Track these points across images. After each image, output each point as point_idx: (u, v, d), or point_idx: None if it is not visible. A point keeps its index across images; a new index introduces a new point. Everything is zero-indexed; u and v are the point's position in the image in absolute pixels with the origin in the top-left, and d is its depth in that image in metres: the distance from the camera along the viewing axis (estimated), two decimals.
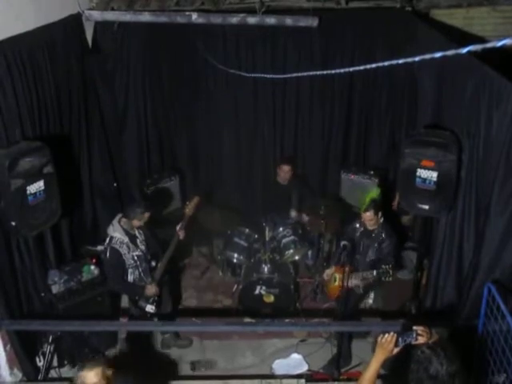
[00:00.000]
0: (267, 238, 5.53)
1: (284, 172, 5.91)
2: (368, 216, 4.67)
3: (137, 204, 4.52)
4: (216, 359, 4.94)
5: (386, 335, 2.83)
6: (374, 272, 4.53)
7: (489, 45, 1.26)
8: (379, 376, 2.92)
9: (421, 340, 2.83)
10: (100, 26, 5.41)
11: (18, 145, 3.96)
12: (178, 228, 4.67)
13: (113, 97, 5.90)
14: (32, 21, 4.30)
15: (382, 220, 4.73)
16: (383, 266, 4.48)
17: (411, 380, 2.69)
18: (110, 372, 3.11)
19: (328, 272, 4.97)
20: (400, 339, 2.82)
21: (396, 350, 2.84)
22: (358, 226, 4.89)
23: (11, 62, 4.04)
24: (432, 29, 4.82)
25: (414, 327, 2.88)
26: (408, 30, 5.25)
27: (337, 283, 4.77)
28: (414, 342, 2.83)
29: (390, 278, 4.51)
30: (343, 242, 4.72)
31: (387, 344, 2.82)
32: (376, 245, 4.71)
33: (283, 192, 5.95)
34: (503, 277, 3.46)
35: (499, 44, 1.22)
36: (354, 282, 4.62)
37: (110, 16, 5.23)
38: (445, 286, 4.27)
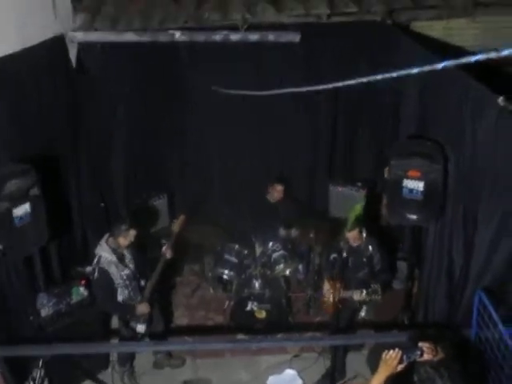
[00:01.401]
0: (257, 254, 5.54)
1: (277, 191, 5.92)
2: (352, 235, 4.69)
3: (121, 221, 4.50)
4: (210, 378, 4.90)
5: (391, 352, 2.81)
6: (364, 292, 4.51)
7: (463, 60, 1.29)
8: None
9: (426, 357, 2.80)
10: (84, 47, 5.41)
11: (4, 167, 3.95)
12: (164, 248, 4.67)
13: (99, 117, 5.89)
14: (15, 43, 4.28)
15: (365, 235, 4.75)
16: (372, 286, 4.47)
17: None
18: None
19: (326, 288, 4.93)
20: (405, 356, 2.79)
21: (400, 367, 2.81)
22: (342, 243, 4.86)
23: None
24: (413, 41, 4.90)
25: (420, 344, 2.85)
26: (389, 43, 5.32)
27: (331, 298, 4.74)
28: (418, 359, 2.80)
29: (379, 297, 4.50)
30: (333, 255, 4.75)
31: (391, 360, 2.80)
32: (364, 260, 4.70)
33: (273, 209, 5.96)
34: (493, 284, 3.48)
35: (473, 59, 1.25)
36: (356, 297, 4.60)
37: (94, 37, 5.25)
38: (436, 295, 4.28)
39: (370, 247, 4.67)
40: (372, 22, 5.47)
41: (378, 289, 4.41)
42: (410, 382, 2.98)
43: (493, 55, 1.18)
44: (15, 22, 4.32)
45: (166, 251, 4.65)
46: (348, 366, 4.87)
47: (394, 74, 1.67)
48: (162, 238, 5.29)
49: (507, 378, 3.08)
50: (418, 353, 2.80)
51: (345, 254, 4.78)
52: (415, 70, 1.54)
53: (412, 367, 2.92)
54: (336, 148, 6.54)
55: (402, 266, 5.58)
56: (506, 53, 1.10)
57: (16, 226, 3.92)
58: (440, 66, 1.38)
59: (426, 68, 1.46)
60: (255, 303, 5.24)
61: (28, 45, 4.47)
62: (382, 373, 2.84)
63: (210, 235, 6.25)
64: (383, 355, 2.85)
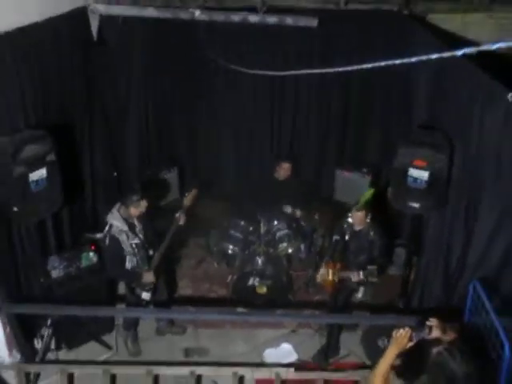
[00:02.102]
0: (262, 231, 5.53)
1: (284, 169, 5.87)
2: (359, 216, 4.64)
3: (133, 192, 4.48)
4: (209, 347, 4.94)
5: (401, 330, 2.85)
6: (361, 274, 4.48)
7: (483, 47, 1.25)
8: (393, 368, 2.95)
9: (434, 334, 2.86)
10: (105, 20, 5.36)
11: (22, 133, 3.94)
12: (177, 214, 4.64)
13: (115, 89, 5.88)
14: (38, 13, 4.26)
15: (368, 220, 4.71)
16: (369, 267, 4.45)
17: (428, 381, 2.71)
18: None
19: (321, 272, 4.91)
20: (414, 334, 2.85)
21: (410, 345, 2.86)
22: (345, 226, 4.84)
23: (17, 53, 4.00)
24: (428, 33, 4.81)
25: (428, 322, 2.90)
26: (405, 33, 5.23)
27: (330, 277, 4.76)
28: (427, 337, 2.87)
29: (375, 279, 4.48)
30: (335, 237, 4.73)
31: (402, 339, 2.85)
32: (366, 244, 4.67)
33: (280, 188, 5.92)
34: (489, 275, 3.47)
35: (494, 47, 1.21)
36: (354, 278, 4.56)
37: (116, 10, 5.20)
38: (432, 282, 4.28)
39: (372, 233, 4.64)
40: (389, 11, 5.38)
41: (374, 271, 4.40)
42: (419, 360, 2.99)
43: None
44: None
45: (180, 217, 4.62)
46: (342, 345, 4.89)
47: (413, 59, 1.62)
48: (172, 211, 5.28)
49: (495, 365, 3.08)
50: (427, 330, 2.87)
51: (347, 237, 4.78)
52: (435, 56, 1.49)
53: (421, 345, 2.96)
54: (346, 134, 6.49)
55: (401, 252, 5.57)
56: None
57: (32, 190, 3.93)
58: (460, 52, 1.34)
59: (446, 54, 1.42)
60: (257, 279, 5.25)
61: (51, 15, 4.43)
62: (393, 350, 2.89)
63: (217, 210, 6.27)
64: (394, 333, 2.89)
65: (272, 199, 5.83)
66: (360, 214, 4.64)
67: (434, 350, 2.72)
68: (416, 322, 3.01)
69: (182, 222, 4.63)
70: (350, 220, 4.81)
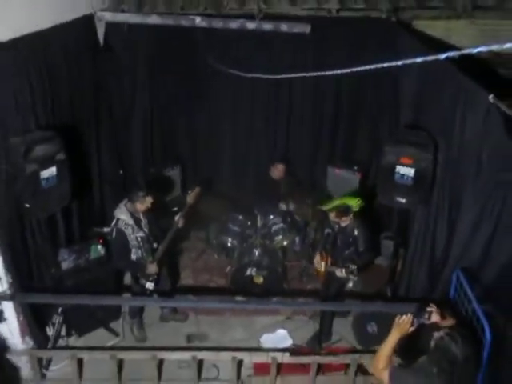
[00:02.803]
0: (259, 225, 5.53)
1: (278, 170, 5.88)
2: (332, 216, 4.60)
3: (138, 188, 4.48)
4: (209, 333, 4.96)
5: (404, 316, 2.90)
6: (343, 270, 4.46)
7: (466, 51, 1.24)
8: (395, 352, 2.99)
9: (433, 319, 2.92)
10: (111, 27, 5.34)
11: (33, 133, 3.94)
12: (177, 217, 4.65)
13: (121, 92, 5.86)
14: (48, 20, 4.24)
15: (352, 218, 4.59)
16: (350, 266, 4.42)
17: (431, 365, 2.75)
18: None
19: (316, 260, 4.90)
20: (415, 320, 2.90)
21: (411, 329, 2.91)
22: (332, 223, 4.76)
23: (28, 58, 4.00)
24: (414, 38, 4.81)
25: (428, 308, 2.95)
26: (392, 39, 5.21)
27: (323, 269, 4.76)
28: (427, 322, 2.92)
29: (355, 278, 4.52)
30: (327, 230, 4.72)
31: (404, 324, 2.89)
32: (350, 240, 4.61)
33: (275, 186, 5.93)
34: (471, 265, 3.48)
35: (475, 51, 1.20)
36: (338, 274, 4.56)
37: (121, 17, 5.18)
38: (418, 272, 4.28)
39: (356, 230, 4.56)
40: (377, 18, 5.36)
41: (354, 270, 4.39)
42: (419, 344, 3.19)
43: (495, 47, 1.13)
44: (48, 1, 4.24)
45: (179, 220, 4.63)
46: (334, 330, 4.91)
47: (400, 62, 1.61)
48: (174, 207, 5.29)
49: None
50: (426, 316, 2.91)
51: (336, 231, 4.74)
52: (420, 59, 1.49)
53: (420, 331, 3.03)
54: (337, 133, 6.48)
55: (389, 244, 5.56)
56: (508, 45, 1.06)
57: (42, 187, 3.94)
58: (443, 56, 1.33)
59: (430, 58, 1.41)
60: (254, 269, 5.26)
61: (60, 22, 4.41)
62: (395, 334, 2.92)
63: (217, 206, 6.27)
64: (396, 319, 2.93)
65: (268, 195, 5.83)
66: (332, 215, 4.60)
67: (436, 335, 2.77)
68: (416, 308, 3.02)
69: (180, 224, 4.66)
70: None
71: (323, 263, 4.72)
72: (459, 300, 3.44)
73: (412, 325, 2.90)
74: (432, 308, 2.95)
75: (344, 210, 4.56)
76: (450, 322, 2.95)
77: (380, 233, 5.78)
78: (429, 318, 2.93)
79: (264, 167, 6.21)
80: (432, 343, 2.79)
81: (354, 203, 4.57)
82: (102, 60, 5.35)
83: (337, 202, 4.62)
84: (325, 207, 4.66)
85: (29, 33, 3.95)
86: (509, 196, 3.08)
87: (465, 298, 3.34)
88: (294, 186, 6.09)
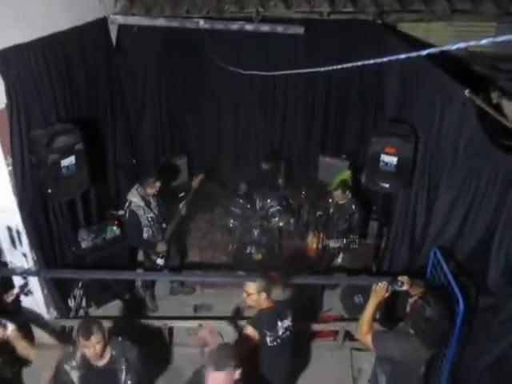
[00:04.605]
0: (257, 208, 5.53)
1: (267, 165, 5.79)
2: (337, 194, 4.64)
3: (149, 175, 4.47)
4: (214, 304, 4.98)
5: (380, 284, 3.02)
6: (344, 240, 4.51)
7: (445, 47, 1.22)
8: (376, 320, 3.15)
9: (404, 287, 3.06)
10: (123, 29, 5.27)
11: (54, 126, 3.92)
12: (181, 205, 4.64)
13: (133, 88, 5.80)
14: (66, 23, 4.19)
15: (349, 196, 4.70)
16: (351, 236, 4.46)
17: (407, 326, 2.84)
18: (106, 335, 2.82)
19: (309, 239, 4.91)
20: (389, 286, 3.03)
21: (386, 295, 3.03)
22: (330, 201, 4.84)
23: (48, 57, 3.95)
24: (398, 38, 4.75)
25: (399, 277, 3.09)
26: (378, 39, 5.15)
27: (315, 245, 4.77)
28: (398, 289, 3.07)
29: (356, 246, 4.52)
30: (319, 213, 4.72)
31: (381, 290, 3.01)
32: (347, 216, 4.66)
33: (268, 174, 5.89)
34: (446, 243, 3.49)
35: (454, 47, 1.18)
36: (332, 244, 4.60)
37: (131, 20, 5.11)
38: (400, 249, 4.30)
39: (353, 206, 4.63)
40: (365, 20, 5.27)
41: (355, 239, 4.43)
42: (396, 314, 3.38)
43: (472, 43, 1.11)
44: (65, 5, 4.17)
45: (182, 209, 4.63)
46: (324, 301, 4.94)
47: (385, 59, 1.59)
48: (181, 192, 5.28)
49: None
50: (399, 283, 3.06)
51: (332, 210, 4.77)
52: (403, 56, 1.47)
53: (395, 297, 3.21)
54: (328, 126, 6.45)
55: (374, 224, 5.57)
56: (484, 42, 1.04)
57: (63, 174, 3.94)
58: (425, 52, 1.31)
59: (413, 54, 1.39)
60: (253, 247, 5.28)
61: (76, 25, 4.35)
62: (374, 301, 3.03)
63: (220, 191, 6.26)
64: (373, 286, 3.05)
65: (264, 183, 5.81)
66: (338, 192, 4.63)
67: (411, 300, 2.87)
68: (391, 278, 3.14)
69: (183, 213, 4.66)
70: (330, 200, 4.81)
71: (315, 240, 4.73)
72: (436, 274, 3.45)
73: (387, 291, 3.01)
74: (403, 278, 3.08)
75: (345, 185, 4.66)
76: (418, 290, 3.04)
77: (369, 213, 5.79)
78: (401, 286, 3.05)
79: (260, 157, 6.15)
80: (408, 308, 2.87)
81: (347, 176, 4.63)
82: (115, 59, 5.29)
83: (336, 181, 4.65)
84: (330, 188, 4.67)
85: (50, 33, 3.92)
86: (481, 181, 3.08)
87: (441, 273, 3.35)
88: (284, 175, 6.02)
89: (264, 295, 3.05)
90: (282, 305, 3.25)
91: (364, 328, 2.96)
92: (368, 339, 2.93)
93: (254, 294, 3.06)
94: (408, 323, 2.85)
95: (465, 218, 3.30)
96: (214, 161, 6.77)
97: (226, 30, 5.09)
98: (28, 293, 4.20)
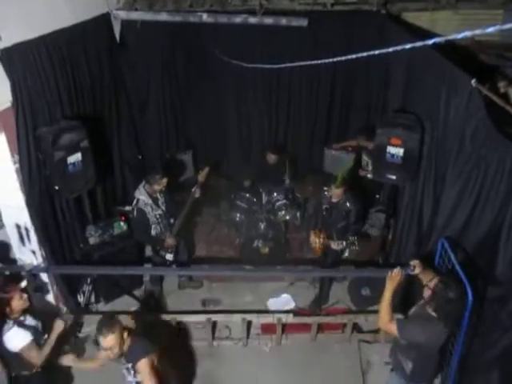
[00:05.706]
0: (264, 202, 5.52)
1: (271, 158, 5.72)
2: (338, 192, 4.41)
3: (155, 171, 4.45)
4: (222, 298, 5.00)
5: (395, 270, 3.11)
6: (344, 243, 4.35)
7: (451, 37, 1.21)
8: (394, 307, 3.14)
9: (417, 270, 3.16)
10: (126, 24, 5.26)
11: (59, 123, 3.94)
12: (193, 189, 4.61)
13: (137, 83, 5.79)
14: (69, 19, 4.19)
15: (344, 192, 4.46)
16: (350, 238, 4.31)
17: (432, 309, 2.92)
18: (125, 333, 2.87)
19: (311, 240, 4.71)
20: (403, 271, 3.13)
21: (401, 279, 3.12)
22: (323, 199, 4.63)
23: (52, 53, 3.97)
24: (402, 28, 4.70)
25: (411, 262, 3.20)
26: (383, 29, 5.10)
27: (318, 245, 4.61)
28: (411, 273, 3.18)
29: (356, 247, 4.37)
30: (325, 206, 4.64)
31: (396, 276, 3.09)
32: (343, 213, 4.49)
33: (274, 167, 5.86)
34: (454, 234, 3.47)
35: (460, 36, 1.17)
36: (333, 246, 4.45)
37: (134, 15, 5.10)
38: (407, 241, 4.28)
39: (348, 203, 4.45)
40: (369, 11, 5.22)
41: (355, 241, 4.32)
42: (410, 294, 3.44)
43: (478, 32, 1.10)
44: (69, 1, 4.17)
45: (196, 190, 4.60)
46: (332, 294, 4.94)
47: (390, 49, 1.57)
48: (188, 186, 5.26)
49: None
50: (412, 267, 3.16)
51: (327, 206, 4.60)
52: (409, 46, 1.45)
53: (409, 282, 3.31)
54: (332, 118, 6.41)
55: (381, 216, 5.55)
56: (490, 30, 1.03)
57: (69, 171, 3.95)
58: (431, 42, 1.30)
59: (418, 43, 1.37)
60: (260, 241, 5.27)
61: (79, 21, 4.36)
62: (390, 287, 3.10)
63: (226, 185, 6.26)
64: (389, 273, 3.12)
65: (270, 175, 5.79)
66: (338, 191, 4.40)
67: (431, 284, 2.97)
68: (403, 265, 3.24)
69: (197, 194, 4.62)
70: (326, 194, 4.60)
71: (317, 240, 4.56)
72: (444, 265, 3.44)
73: (401, 276, 3.09)
74: (415, 262, 3.17)
75: (345, 184, 4.47)
76: (430, 274, 3.12)
77: (372, 206, 5.77)
78: (413, 270, 3.15)
79: (266, 151, 6.12)
80: (427, 293, 2.96)
81: (347, 168, 4.56)
82: (118, 54, 5.28)
83: (339, 178, 4.53)
84: (336, 185, 4.49)
85: (54, 30, 3.93)
86: (488, 172, 3.06)
87: (449, 263, 3.34)
88: (288, 170, 5.90)
89: (125, 333, 2.88)
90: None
91: (386, 316, 3.01)
92: (392, 327, 2.98)
93: (115, 344, 2.80)
94: (430, 306, 2.91)
95: (472, 209, 3.27)
96: (219, 155, 6.75)
97: (230, 23, 5.06)
98: (44, 291, 4.27)
